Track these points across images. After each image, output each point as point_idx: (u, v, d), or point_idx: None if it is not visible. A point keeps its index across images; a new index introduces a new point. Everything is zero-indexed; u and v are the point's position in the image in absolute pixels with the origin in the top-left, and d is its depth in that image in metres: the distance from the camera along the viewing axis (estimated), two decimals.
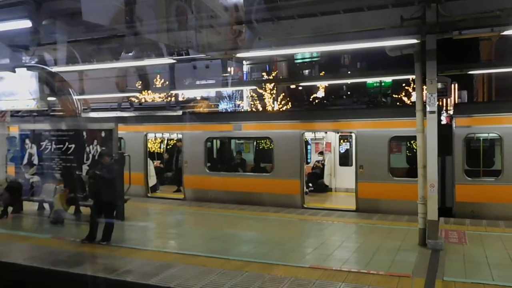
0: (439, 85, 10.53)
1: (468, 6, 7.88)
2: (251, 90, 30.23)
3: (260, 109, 30.11)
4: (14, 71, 10.09)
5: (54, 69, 10.75)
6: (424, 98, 8.31)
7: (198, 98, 29.37)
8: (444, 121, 13.08)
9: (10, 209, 11.42)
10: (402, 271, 6.86)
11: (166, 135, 16.97)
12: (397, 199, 11.18)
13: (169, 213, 12.28)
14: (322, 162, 15.24)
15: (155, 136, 16.27)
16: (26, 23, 7.68)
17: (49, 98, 14.12)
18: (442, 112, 14.40)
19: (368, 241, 8.78)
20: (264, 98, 31.20)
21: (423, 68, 8.15)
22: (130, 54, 9.86)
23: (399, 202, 11.08)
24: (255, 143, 16.27)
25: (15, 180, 11.94)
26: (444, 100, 24.01)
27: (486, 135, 11.26)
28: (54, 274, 7.17)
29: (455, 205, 11.03)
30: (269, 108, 30.43)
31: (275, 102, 31.40)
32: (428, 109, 8.06)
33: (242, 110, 29.69)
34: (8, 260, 7.79)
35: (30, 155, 12.22)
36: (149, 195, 14.61)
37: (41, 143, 12.00)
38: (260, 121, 13.70)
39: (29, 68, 10.23)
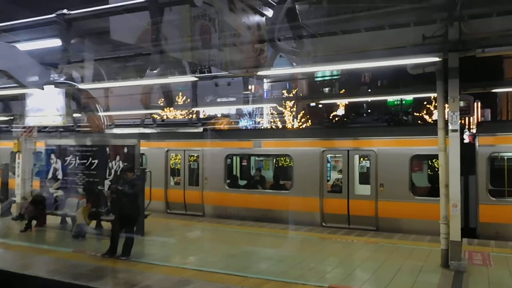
0: (462, 103, 10.38)
1: (491, 24, 7.84)
2: (271, 108, 30.39)
3: (280, 126, 30.18)
4: (43, 88, 10.41)
5: (81, 86, 11.05)
6: (446, 116, 8.23)
7: (219, 115, 29.69)
8: (467, 140, 12.86)
9: (33, 222, 11.65)
10: None
11: (188, 152, 17.13)
12: (419, 218, 10.99)
13: (188, 229, 12.32)
14: (342, 180, 15.08)
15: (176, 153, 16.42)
16: (56, 42, 7.98)
17: (75, 114, 14.48)
18: (464, 130, 14.18)
19: (389, 261, 8.62)
20: (284, 116, 31.32)
21: (445, 86, 8.08)
22: (154, 71, 10.08)
23: (420, 222, 10.89)
24: (274, 160, 16.29)
25: (40, 194, 12.21)
26: (467, 118, 23.66)
27: (511, 154, 11.02)
28: None
29: (479, 225, 10.77)
30: (289, 125, 30.48)
31: (295, 120, 31.46)
32: (450, 127, 7.97)
33: (262, 127, 29.81)
34: (31, 273, 7.92)
35: (55, 169, 12.51)
36: (168, 211, 14.74)
37: (66, 158, 12.28)
38: (280, 139, 13.73)
39: (58, 85, 10.54)
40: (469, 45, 7.68)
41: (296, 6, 8.19)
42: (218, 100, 33.16)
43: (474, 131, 15.30)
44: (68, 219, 11.90)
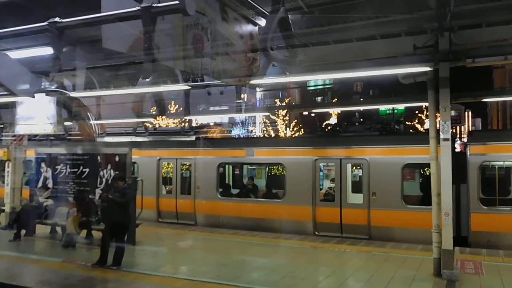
0: (453, 113, 10.49)
1: (481, 34, 7.94)
2: (264, 116, 30.42)
3: (273, 135, 30.21)
4: (34, 96, 10.34)
5: (73, 94, 10.99)
6: (438, 126, 8.28)
7: (212, 124, 29.66)
8: (458, 149, 12.96)
9: (23, 232, 11.49)
10: None
11: (180, 160, 17.07)
12: (411, 227, 11.01)
13: (180, 238, 12.24)
14: (334, 189, 15.10)
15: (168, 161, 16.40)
16: (48, 50, 7.94)
17: (66, 123, 14.38)
18: (456, 139, 14.29)
19: (381, 270, 8.60)
20: (277, 124, 31.36)
21: (436, 96, 8.15)
22: (146, 80, 10.06)
23: (412, 231, 10.91)
24: (267, 169, 16.27)
25: (29, 203, 12.06)
26: (458, 127, 23.86)
27: (501, 163, 11.11)
28: None
29: (470, 234, 10.82)
30: (281, 134, 30.53)
31: (288, 129, 31.52)
32: (441, 136, 8.02)
33: (255, 136, 29.82)
34: (19, 283, 7.79)
35: (45, 178, 12.38)
36: (160, 220, 14.64)
37: (56, 167, 12.16)
38: (273, 147, 13.74)
39: (49, 93, 10.47)
40: (459, 55, 7.76)
41: (289, 15, 8.24)
42: (211, 108, 33.16)
43: (465, 140, 15.42)
44: (58, 229, 11.75)
